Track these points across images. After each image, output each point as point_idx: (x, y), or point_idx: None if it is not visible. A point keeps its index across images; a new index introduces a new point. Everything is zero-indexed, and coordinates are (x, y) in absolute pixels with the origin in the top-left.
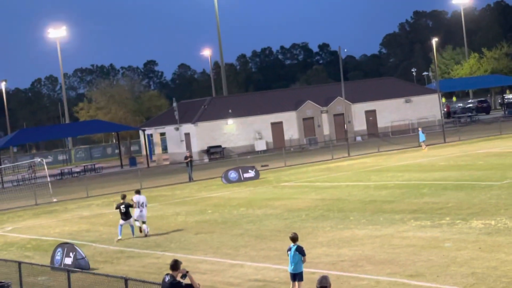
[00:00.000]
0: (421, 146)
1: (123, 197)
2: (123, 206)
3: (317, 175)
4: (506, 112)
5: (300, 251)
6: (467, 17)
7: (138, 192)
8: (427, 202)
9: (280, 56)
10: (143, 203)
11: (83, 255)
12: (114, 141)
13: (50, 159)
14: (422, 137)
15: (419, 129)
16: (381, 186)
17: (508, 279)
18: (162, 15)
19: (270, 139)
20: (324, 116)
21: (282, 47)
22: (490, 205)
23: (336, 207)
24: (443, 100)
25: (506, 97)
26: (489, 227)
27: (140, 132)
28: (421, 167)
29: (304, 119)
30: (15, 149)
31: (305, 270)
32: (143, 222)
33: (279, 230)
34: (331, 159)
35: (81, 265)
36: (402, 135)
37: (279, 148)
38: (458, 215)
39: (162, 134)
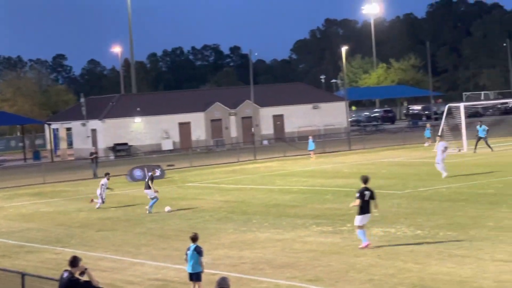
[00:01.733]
0: (311, 154)
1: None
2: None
3: (222, 177)
4: (411, 123)
5: (199, 251)
6: (376, 27)
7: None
8: (330, 208)
9: (191, 57)
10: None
11: None
12: (18, 134)
13: None
14: (311, 145)
15: (310, 137)
16: (285, 190)
17: (404, 287)
18: (72, 9)
19: (177, 139)
20: (232, 119)
21: (193, 48)
22: (391, 213)
23: (239, 209)
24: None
25: (411, 107)
26: (388, 235)
27: (46, 126)
28: (325, 173)
29: (212, 121)
30: None
31: (206, 271)
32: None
33: (182, 230)
34: (237, 162)
35: None
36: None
37: (186, 149)
38: None
39: (69, 129)
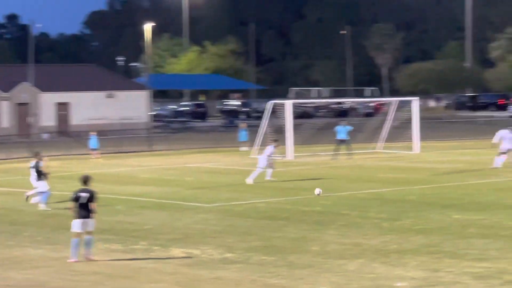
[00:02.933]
0: (93, 154)
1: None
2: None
3: None
4: (226, 121)
5: None
6: (190, 2)
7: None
8: (121, 222)
9: None
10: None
11: None
12: None
13: None
14: (94, 143)
15: (91, 133)
16: (67, 197)
17: None
18: None
19: None
20: (5, 104)
21: None
22: (196, 231)
23: (8, 218)
24: None
25: (226, 102)
26: (191, 257)
27: None
28: (118, 178)
29: None
30: None
31: None
32: None
33: None
34: (7, 159)
35: None
36: (101, 137)
37: None
38: (157, 240)
39: None
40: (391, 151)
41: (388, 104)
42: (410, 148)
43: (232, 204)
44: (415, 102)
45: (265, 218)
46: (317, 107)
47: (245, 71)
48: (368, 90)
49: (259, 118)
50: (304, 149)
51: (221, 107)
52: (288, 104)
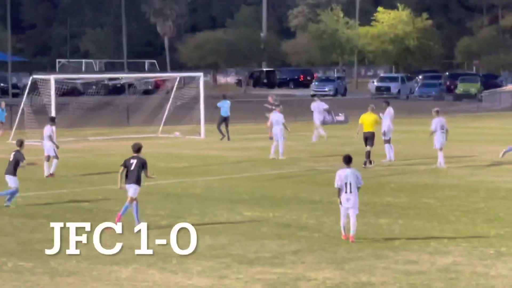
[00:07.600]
0: None
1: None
2: None
3: None
4: None
5: None
6: None
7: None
8: None
9: None
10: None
11: None
12: None
13: None
14: None
15: None
16: None
17: None
18: None
19: None
20: None
21: None
22: None
23: None
24: None
25: None
26: None
27: None
28: None
29: None
30: None
31: None
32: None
33: None
34: None
35: None
36: None
37: None
38: None
39: None
40: (172, 136)
41: (170, 80)
42: (195, 133)
43: None
44: (201, 79)
45: (22, 216)
46: (88, 83)
47: (1, 39)
48: (146, 63)
49: (18, 95)
50: (72, 133)
51: None
52: (53, 80)
